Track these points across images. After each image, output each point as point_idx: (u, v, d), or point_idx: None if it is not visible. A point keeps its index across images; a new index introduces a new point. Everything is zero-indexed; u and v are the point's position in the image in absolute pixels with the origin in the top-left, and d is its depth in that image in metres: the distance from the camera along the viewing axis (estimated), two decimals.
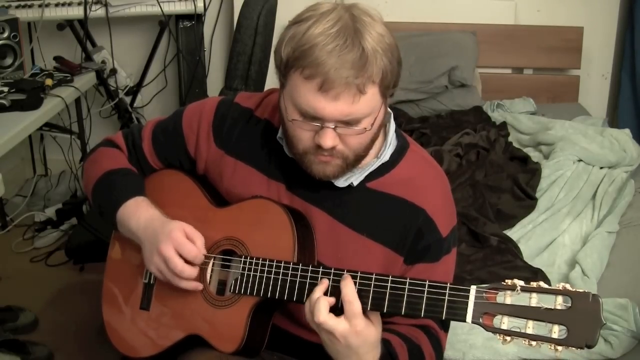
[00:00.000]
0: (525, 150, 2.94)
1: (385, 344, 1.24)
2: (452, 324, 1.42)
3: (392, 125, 1.36)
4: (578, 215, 2.43)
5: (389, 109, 1.34)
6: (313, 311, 1.17)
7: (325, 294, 1.20)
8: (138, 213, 1.38)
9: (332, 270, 1.22)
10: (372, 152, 1.32)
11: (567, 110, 3.38)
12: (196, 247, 1.32)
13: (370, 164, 1.33)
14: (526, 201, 2.50)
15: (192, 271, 1.32)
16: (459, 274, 2.04)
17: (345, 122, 1.20)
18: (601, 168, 2.68)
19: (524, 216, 2.44)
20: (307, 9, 1.22)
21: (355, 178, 1.32)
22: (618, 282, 2.12)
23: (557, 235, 2.34)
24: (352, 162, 1.27)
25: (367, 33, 1.17)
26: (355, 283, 1.18)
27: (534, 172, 2.63)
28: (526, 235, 2.35)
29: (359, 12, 1.20)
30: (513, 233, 2.35)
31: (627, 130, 2.92)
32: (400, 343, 1.28)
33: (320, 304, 1.17)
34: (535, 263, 2.20)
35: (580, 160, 2.69)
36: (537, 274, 2.11)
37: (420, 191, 1.33)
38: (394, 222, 1.32)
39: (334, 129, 1.20)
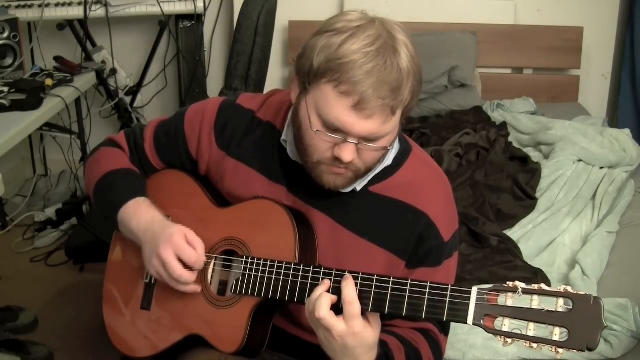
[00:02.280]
0: (525, 150, 2.94)
1: (383, 345, 1.24)
2: (452, 324, 1.42)
3: None
4: (578, 215, 2.43)
5: None
6: (314, 306, 1.17)
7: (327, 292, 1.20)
8: (139, 214, 1.38)
9: (334, 271, 1.22)
10: None
11: (567, 110, 3.38)
12: (196, 253, 1.32)
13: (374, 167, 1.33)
14: (526, 201, 2.50)
15: (191, 276, 1.32)
16: (459, 274, 2.04)
17: (368, 139, 1.19)
18: (601, 168, 2.68)
19: (524, 216, 2.44)
20: (337, 18, 1.20)
21: (358, 183, 1.31)
22: (618, 282, 2.12)
23: (557, 235, 2.34)
24: (362, 175, 1.27)
25: (404, 53, 1.16)
26: (356, 284, 1.18)
27: (534, 172, 2.63)
28: (526, 235, 2.35)
29: (392, 28, 1.19)
30: (513, 233, 2.35)
31: (627, 130, 2.92)
32: (398, 345, 1.28)
33: (322, 299, 1.17)
34: (535, 263, 2.20)
35: (580, 160, 2.69)
36: (537, 274, 2.11)
37: (423, 195, 1.32)
38: (396, 226, 1.32)
39: (356, 144, 1.20)
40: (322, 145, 1.22)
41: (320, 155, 1.23)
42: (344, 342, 1.16)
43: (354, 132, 1.18)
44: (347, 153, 1.19)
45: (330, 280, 1.21)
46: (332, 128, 1.19)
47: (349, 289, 1.17)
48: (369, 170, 1.27)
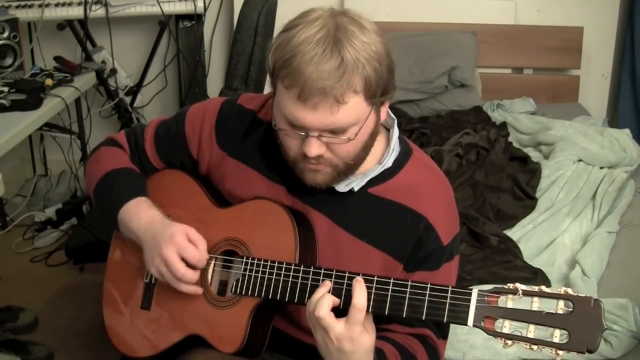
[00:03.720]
0: (525, 150, 2.94)
1: (378, 352, 1.23)
2: (452, 325, 1.41)
3: (396, 132, 1.35)
4: (578, 215, 2.43)
5: (392, 115, 1.33)
6: (315, 306, 1.17)
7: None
8: (139, 214, 1.38)
9: (334, 272, 1.22)
10: (375, 157, 1.32)
11: (567, 110, 3.38)
12: (199, 251, 1.32)
13: (372, 169, 1.32)
14: (526, 201, 2.50)
15: (194, 276, 1.32)
16: (459, 274, 2.04)
17: (330, 131, 1.19)
18: (601, 168, 2.68)
19: (524, 216, 2.44)
20: (299, 15, 1.22)
21: (356, 183, 1.31)
22: (618, 282, 2.12)
23: (557, 235, 2.34)
24: (343, 171, 1.26)
25: (349, 42, 1.15)
26: None
27: (534, 172, 2.63)
28: (526, 235, 2.35)
29: (345, 20, 1.18)
30: (513, 233, 2.35)
31: (627, 130, 2.92)
32: (394, 353, 1.27)
33: (324, 299, 1.17)
34: (535, 263, 2.20)
35: (580, 160, 2.69)
36: (537, 274, 2.11)
37: (422, 198, 1.32)
38: (395, 229, 1.31)
39: (318, 137, 1.20)
40: (291, 142, 1.24)
41: (293, 153, 1.25)
42: (341, 346, 1.16)
43: (307, 125, 1.18)
44: (311, 148, 1.20)
45: (331, 281, 1.21)
46: (292, 124, 1.20)
47: (362, 296, 1.16)
48: (349, 165, 1.26)
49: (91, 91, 3.41)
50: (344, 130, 1.19)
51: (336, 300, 1.19)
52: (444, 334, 1.37)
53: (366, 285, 1.18)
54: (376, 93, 1.20)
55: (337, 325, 1.15)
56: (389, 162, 1.33)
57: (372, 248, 1.32)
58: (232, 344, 1.31)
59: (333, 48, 1.15)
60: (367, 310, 1.18)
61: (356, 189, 1.32)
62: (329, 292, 1.20)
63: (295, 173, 1.29)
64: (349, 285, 1.19)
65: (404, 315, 1.17)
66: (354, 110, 1.18)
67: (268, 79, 3.04)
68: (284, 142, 1.26)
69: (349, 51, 1.15)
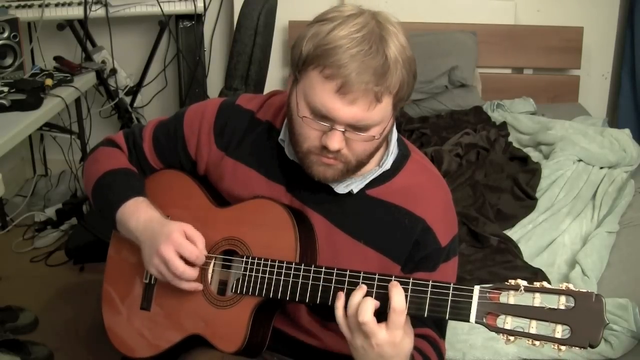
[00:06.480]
0: (525, 150, 2.94)
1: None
2: (452, 324, 1.41)
3: (394, 134, 1.35)
4: (578, 215, 2.43)
5: None
6: (357, 310, 1.15)
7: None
8: (137, 214, 1.38)
9: (335, 271, 1.22)
10: (374, 160, 1.31)
11: (567, 110, 3.39)
12: (197, 248, 1.31)
13: (372, 171, 1.32)
14: (526, 201, 2.50)
15: (193, 273, 1.32)
16: (459, 274, 2.04)
17: (355, 127, 1.19)
18: (601, 168, 2.69)
19: (524, 216, 2.44)
20: (331, 9, 1.21)
21: (355, 185, 1.31)
22: (618, 282, 2.12)
23: (557, 235, 2.34)
24: (353, 169, 1.26)
25: (392, 42, 1.17)
26: (357, 283, 1.18)
27: (534, 172, 2.63)
28: (526, 235, 2.35)
29: (384, 19, 1.20)
30: (513, 233, 2.35)
31: (627, 130, 2.92)
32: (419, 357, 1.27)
33: (367, 303, 1.15)
34: (535, 263, 2.20)
35: (580, 160, 2.69)
36: (537, 274, 2.11)
37: (420, 200, 1.32)
38: (393, 231, 1.31)
39: (343, 132, 1.19)
40: (311, 133, 1.22)
41: (310, 144, 1.23)
42: (382, 351, 1.14)
43: (339, 117, 1.17)
44: (334, 141, 1.19)
45: (373, 285, 1.18)
46: (318, 114, 1.19)
47: (401, 299, 1.14)
48: (360, 163, 1.26)
49: (91, 91, 3.41)
50: (368, 128, 1.19)
51: (377, 303, 1.16)
52: (442, 333, 1.37)
53: (367, 284, 1.18)
54: (404, 97, 1.21)
55: (379, 331, 1.13)
56: (387, 164, 1.33)
57: (370, 249, 1.32)
58: (232, 344, 1.31)
59: (379, 46, 1.15)
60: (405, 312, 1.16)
61: (355, 190, 1.31)
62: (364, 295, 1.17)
63: (303, 166, 1.27)
64: (350, 284, 1.19)
65: (406, 313, 1.16)
66: (384, 110, 1.19)
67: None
68: (301, 131, 1.23)
69: (391, 50, 1.16)
